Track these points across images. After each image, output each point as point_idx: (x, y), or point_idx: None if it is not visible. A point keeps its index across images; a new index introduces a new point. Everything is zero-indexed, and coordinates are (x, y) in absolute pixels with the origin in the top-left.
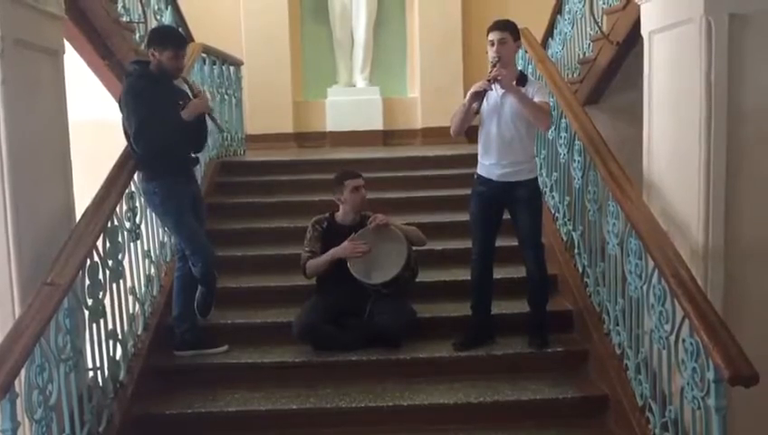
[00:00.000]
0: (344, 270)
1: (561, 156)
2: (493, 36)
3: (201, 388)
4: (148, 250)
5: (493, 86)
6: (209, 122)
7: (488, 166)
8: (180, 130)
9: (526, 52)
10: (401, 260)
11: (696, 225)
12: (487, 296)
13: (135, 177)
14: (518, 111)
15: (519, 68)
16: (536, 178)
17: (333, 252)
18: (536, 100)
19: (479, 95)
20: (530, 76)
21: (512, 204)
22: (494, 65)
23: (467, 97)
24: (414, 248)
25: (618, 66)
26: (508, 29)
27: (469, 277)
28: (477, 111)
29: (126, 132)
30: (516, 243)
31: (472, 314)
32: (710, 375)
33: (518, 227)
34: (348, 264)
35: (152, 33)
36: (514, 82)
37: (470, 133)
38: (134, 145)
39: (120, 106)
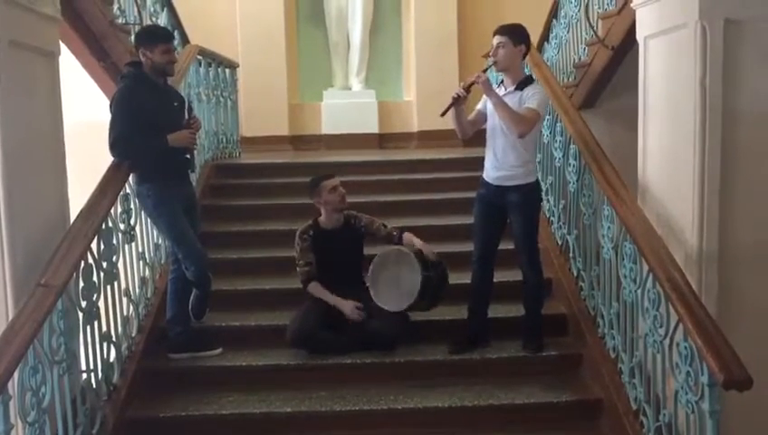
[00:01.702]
0: (338, 275)
1: (557, 160)
2: (493, 40)
3: (195, 391)
4: (143, 252)
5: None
6: (209, 115)
7: (488, 169)
8: (158, 148)
9: None
10: (415, 288)
11: (691, 229)
12: (485, 300)
13: (129, 179)
14: None
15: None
16: (533, 183)
17: (338, 303)
18: (525, 105)
19: (456, 101)
20: (537, 81)
21: (507, 208)
22: (484, 70)
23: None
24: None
25: (613, 71)
26: (507, 33)
27: (465, 281)
28: (485, 119)
29: None
30: (512, 246)
31: (468, 317)
32: (704, 379)
33: (512, 231)
34: (374, 297)
35: (138, 34)
36: (513, 87)
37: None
38: (111, 152)
39: (109, 106)
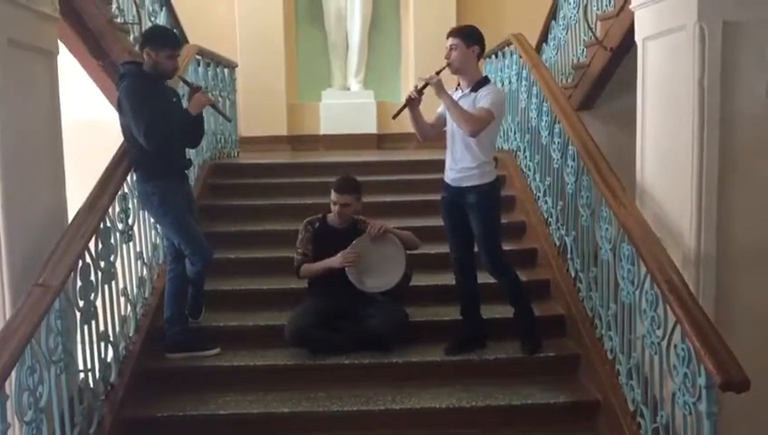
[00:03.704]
0: (336, 273)
1: (555, 161)
2: (446, 43)
3: (193, 391)
4: (141, 252)
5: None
6: (207, 116)
7: (447, 170)
8: (185, 126)
9: (520, 57)
10: (399, 271)
11: (689, 231)
12: (472, 300)
13: (128, 178)
14: None
15: (485, 73)
16: (489, 183)
17: (327, 263)
18: (479, 105)
19: (409, 103)
20: (493, 82)
21: (466, 209)
22: (438, 72)
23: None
24: (408, 252)
25: (611, 72)
26: (459, 35)
27: None
28: (445, 121)
29: (125, 133)
30: (506, 247)
31: (462, 319)
32: (701, 381)
33: (473, 232)
34: (345, 269)
35: (148, 32)
36: (469, 89)
37: None
38: (147, 142)
39: (119, 107)
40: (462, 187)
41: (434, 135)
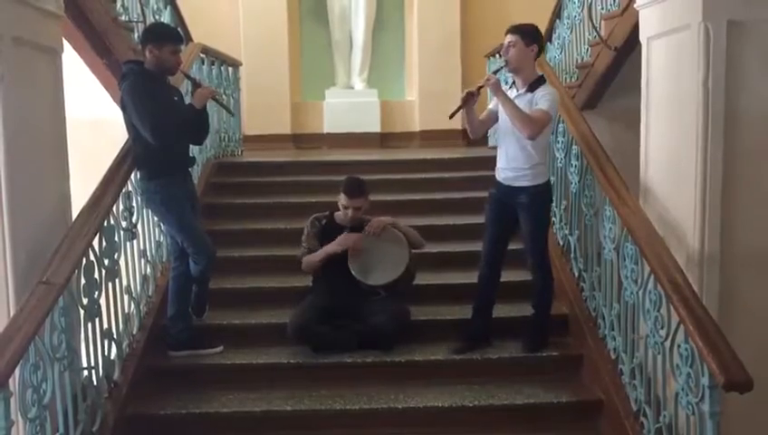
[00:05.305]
0: (340, 270)
1: (559, 160)
2: (504, 39)
3: (196, 388)
4: (145, 250)
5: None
6: (211, 114)
7: (499, 169)
8: (191, 120)
9: None
10: (401, 265)
11: (692, 231)
12: (491, 299)
13: (132, 176)
14: None
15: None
16: (542, 185)
17: (326, 249)
18: (536, 106)
19: (465, 102)
20: (548, 82)
21: (516, 209)
22: (495, 71)
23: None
24: (413, 250)
25: (615, 71)
26: (518, 32)
27: (466, 280)
28: (496, 119)
29: (129, 131)
30: (513, 246)
31: (473, 316)
32: (704, 381)
33: (521, 232)
34: (348, 261)
35: (148, 30)
36: (524, 89)
37: (466, 136)
38: (154, 138)
39: (123, 106)
40: (514, 186)
41: (483, 132)
